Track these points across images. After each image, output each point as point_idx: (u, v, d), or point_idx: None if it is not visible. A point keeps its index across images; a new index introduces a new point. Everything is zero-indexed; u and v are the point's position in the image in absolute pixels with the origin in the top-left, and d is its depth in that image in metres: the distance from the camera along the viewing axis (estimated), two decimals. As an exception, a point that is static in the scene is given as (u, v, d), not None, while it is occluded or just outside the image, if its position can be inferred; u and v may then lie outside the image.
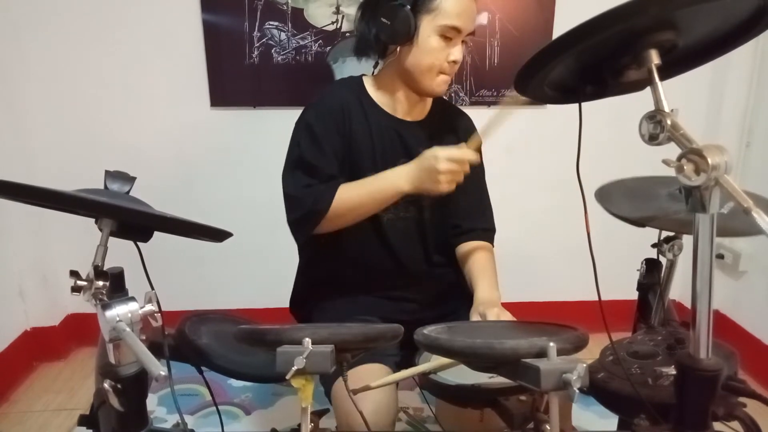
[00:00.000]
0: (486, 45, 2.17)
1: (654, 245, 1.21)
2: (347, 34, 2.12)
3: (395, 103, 1.35)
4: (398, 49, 1.26)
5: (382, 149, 1.32)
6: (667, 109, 0.74)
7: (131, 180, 0.94)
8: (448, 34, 1.22)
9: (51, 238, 2.23)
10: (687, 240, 0.94)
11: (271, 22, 2.09)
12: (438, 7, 1.20)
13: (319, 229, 1.27)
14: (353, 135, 1.30)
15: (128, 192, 0.93)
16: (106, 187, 0.92)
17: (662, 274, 1.28)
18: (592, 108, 0.85)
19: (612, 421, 1.16)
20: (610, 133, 1.98)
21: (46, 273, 2.22)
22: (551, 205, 2.29)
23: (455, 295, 1.38)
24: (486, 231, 1.44)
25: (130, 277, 0.86)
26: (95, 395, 0.97)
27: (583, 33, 0.70)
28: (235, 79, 2.14)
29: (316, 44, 2.12)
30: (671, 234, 1.19)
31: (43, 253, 2.22)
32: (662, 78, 0.76)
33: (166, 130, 2.21)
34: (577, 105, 0.86)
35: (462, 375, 1.00)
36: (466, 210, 1.41)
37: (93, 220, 0.84)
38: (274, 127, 2.15)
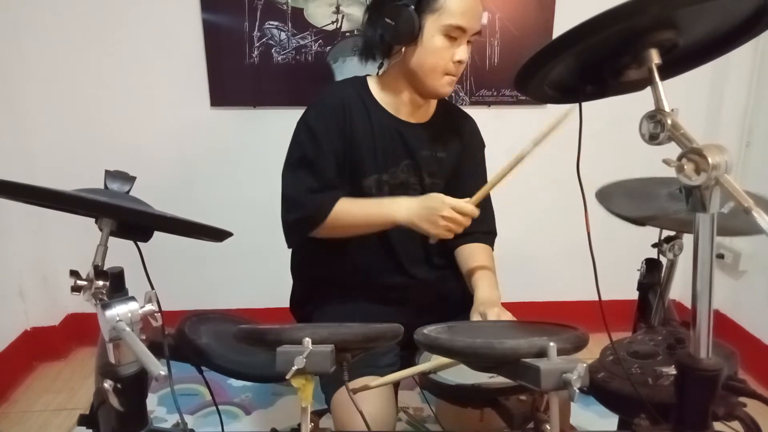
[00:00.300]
0: (486, 45, 2.17)
1: (654, 245, 1.21)
2: (347, 34, 2.12)
3: (399, 105, 1.34)
4: (403, 49, 1.25)
5: (383, 149, 1.32)
6: (667, 109, 0.74)
7: (131, 180, 0.94)
8: (453, 34, 1.21)
9: (51, 238, 2.23)
10: (687, 240, 0.94)
11: (271, 22, 2.09)
12: (442, 7, 1.19)
13: (312, 235, 1.28)
14: (354, 134, 1.29)
15: (128, 192, 0.93)
16: (106, 186, 0.92)
17: (662, 274, 1.28)
18: (592, 108, 0.85)
19: (612, 420, 1.16)
20: (610, 133, 1.98)
21: (46, 273, 2.22)
22: (551, 204, 2.29)
23: (456, 298, 1.38)
24: (487, 234, 1.43)
25: (130, 276, 0.86)
26: (95, 395, 0.97)
27: (583, 32, 0.70)
28: (235, 79, 2.14)
29: (316, 44, 2.12)
30: (671, 234, 1.19)
31: (43, 253, 2.22)
32: (662, 78, 0.76)
33: (166, 130, 2.21)
34: (577, 105, 0.86)
35: (462, 375, 1.00)
36: None
37: (93, 219, 0.84)
38: (274, 127, 2.15)
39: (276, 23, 2.09)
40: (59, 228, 2.19)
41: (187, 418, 1.88)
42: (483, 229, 1.42)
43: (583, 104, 0.86)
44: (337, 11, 2.10)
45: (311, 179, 1.26)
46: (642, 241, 1.24)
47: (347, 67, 2.14)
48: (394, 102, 1.34)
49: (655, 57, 0.75)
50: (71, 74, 2.11)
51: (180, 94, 2.17)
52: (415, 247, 1.38)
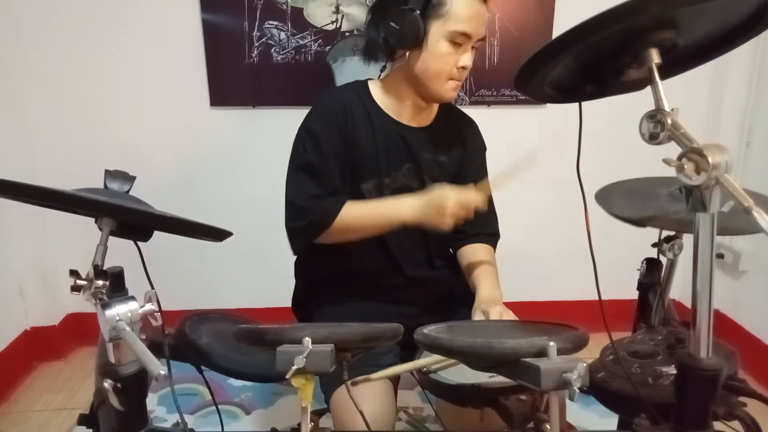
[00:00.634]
0: (486, 44, 2.17)
1: (654, 245, 1.21)
2: (347, 34, 2.12)
3: (401, 109, 1.33)
4: (407, 54, 1.24)
5: (385, 153, 1.31)
6: (667, 109, 0.74)
7: (131, 179, 0.94)
8: (458, 40, 1.21)
9: (51, 237, 2.23)
10: (687, 239, 0.94)
11: (270, 22, 2.09)
12: (448, 12, 1.18)
13: (318, 241, 1.28)
14: (356, 138, 1.29)
15: (128, 191, 0.93)
16: (106, 186, 0.92)
17: (662, 274, 1.28)
18: (592, 107, 0.85)
19: (612, 420, 1.16)
20: (610, 132, 1.98)
21: (46, 272, 2.22)
22: (551, 204, 2.29)
23: (456, 299, 1.38)
24: (489, 236, 1.43)
25: (130, 276, 0.86)
26: (95, 395, 0.97)
27: (583, 32, 0.70)
28: (234, 79, 2.14)
29: (316, 44, 2.12)
30: (671, 233, 1.19)
31: (43, 253, 2.22)
32: (662, 77, 0.76)
33: (166, 130, 2.21)
34: (577, 104, 0.86)
35: (462, 374, 1.00)
36: (471, 219, 1.41)
37: (93, 219, 0.84)
38: (274, 127, 2.16)
39: (276, 23, 2.09)
40: (59, 228, 2.19)
41: (187, 418, 1.88)
42: (486, 231, 1.43)
43: (584, 104, 0.86)
44: (337, 11, 2.10)
45: (315, 185, 1.25)
46: (642, 240, 1.24)
47: (347, 67, 2.14)
48: (396, 106, 1.33)
49: (655, 56, 0.75)
50: (71, 74, 2.11)
51: (180, 94, 2.17)
52: (415, 247, 1.38)
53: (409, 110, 1.34)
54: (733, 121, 2.24)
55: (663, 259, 1.25)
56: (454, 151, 1.40)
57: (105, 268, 0.81)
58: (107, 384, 0.78)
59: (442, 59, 1.22)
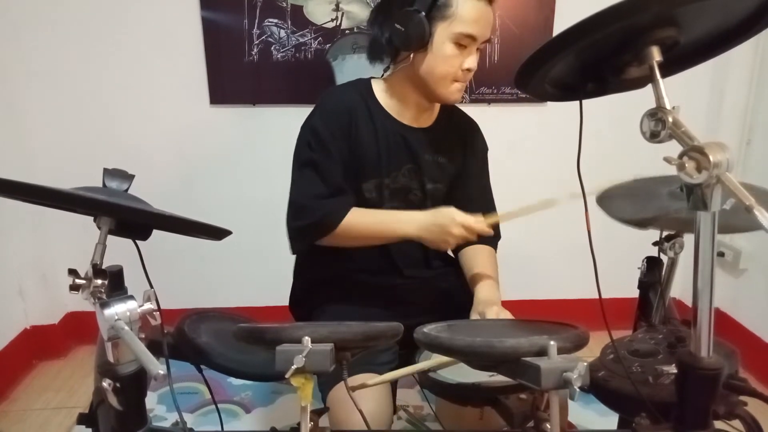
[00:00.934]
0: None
1: (655, 243, 1.21)
2: (347, 32, 2.11)
3: (403, 109, 1.33)
4: (411, 55, 1.24)
5: (387, 154, 1.31)
6: (668, 107, 0.74)
7: (130, 177, 0.93)
8: (463, 42, 1.21)
9: (50, 236, 2.22)
10: (688, 238, 0.94)
11: (270, 20, 2.08)
12: (453, 14, 1.18)
13: (320, 243, 1.28)
14: (359, 138, 1.28)
15: (127, 190, 0.92)
16: (104, 184, 0.92)
17: (663, 273, 1.28)
18: (593, 105, 0.85)
19: (612, 419, 1.16)
20: (610, 130, 1.97)
21: (45, 271, 2.22)
22: (552, 203, 2.28)
23: (455, 299, 1.38)
24: (491, 237, 1.43)
25: (129, 275, 0.86)
26: (94, 394, 0.97)
27: (583, 30, 0.70)
28: (234, 77, 2.14)
29: (316, 41, 2.12)
30: (672, 232, 1.19)
31: (42, 252, 2.22)
32: (663, 75, 0.75)
33: (166, 129, 2.21)
34: (577, 102, 0.86)
35: (462, 373, 0.99)
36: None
37: (92, 218, 0.84)
38: (274, 125, 2.16)
39: (275, 21, 2.09)
40: (58, 226, 2.19)
41: (187, 417, 1.88)
42: None
43: (584, 102, 0.86)
44: (337, 9, 2.10)
45: (319, 185, 1.25)
46: (642, 239, 1.24)
47: (347, 65, 2.13)
48: (399, 106, 1.33)
49: (656, 54, 0.75)
50: (71, 74, 2.11)
51: (179, 93, 2.17)
52: (413, 247, 1.37)
53: (412, 111, 1.34)
54: (733, 119, 2.24)
55: (664, 258, 1.25)
56: (455, 152, 1.39)
57: (104, 267, 0.81)
58: (106, 383, 0.78)
59: (448, 61, 1.22)
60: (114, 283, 0.81)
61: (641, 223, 1.11)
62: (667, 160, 0.72)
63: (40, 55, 2.08)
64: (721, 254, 2.26)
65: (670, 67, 0.79)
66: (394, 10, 1.21)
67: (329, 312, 1.37)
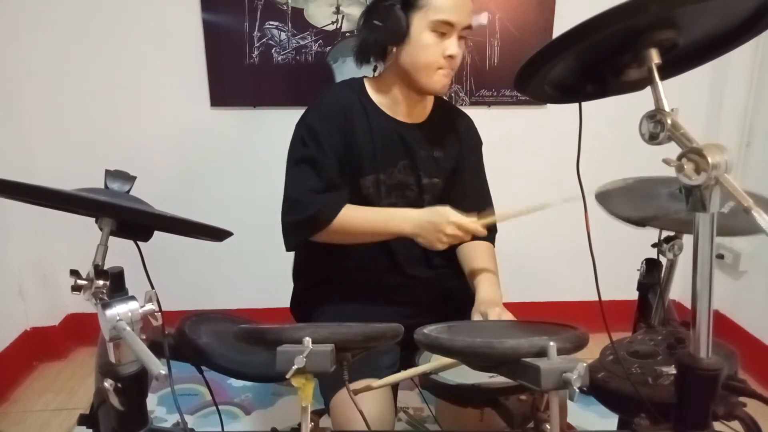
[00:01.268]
0: (486, 45, 2.17)
1: (654, 245, 1.21)
2: (347, 34, 2.12)
3: (396, 105, 1.34)
4: (394, 49, 1.25)
5: (383, 151, 1.32)
6: (667, 109, 0.74)
7: (131, 179, 0.94)
8: (441, 29, 1.21)
9: (51, 237, 2.23)
10: (687, 240, 0.94)
11: (271, 22, 2.09)
12: (428, 3, 1.19)
13: (314, 239, 1.27)
14: (355, 136, 1.29)
15: (128, 191, 0.93)
16: (106, 186, 0.92)
17: (662, 274, 1.28)
18: (592, 107, 0.85)
19: (612, 420, 1.16)
20: (610, 132, 1.97)
21: (46, 272, 2.22)
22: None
23: (456, 297, 1.38)
24: (488, 232, 1.43)
25: (130, 276, 0.86)
26: (95, 395, 0.97)
27: (583, 32, 0.70)
28: (235, 79, 2.14)
29: (316, 44, 2.12)
30: (671, 234, 1.19)
31: (43, 253, 2.22)
32: (662, 77, 0.76)
33: (166, 130, 2.21)
34: (577, 104, 0.86)
35: (462, 374, 0.99)
36: (468, 212, 1.41)
37: (93, 219, 0.84)
38: (274, 127, 2.15)
39: (276, 23, 2.09)
40: (59, 227, 2.19)
41: (187, 418, 1.88)
42: None
43: (584, 104, 0.86)
44: (337, 11, 2.10)
45: (313, 179, 1.25)
46: (642, 241, 1.25)
47: (347, 68, 2.14)
48: (391, 103, 1.34)
49: (655, 56, 0.75)
50: (71, 74, 2.11)
51: (180, 95, 2.17)
52: (413, 247, 1.38)
53: (404, 106, 1.34)
54: (733, 121, 2.24)
55: (663, 260, 1.25)
56: (450, 146, 1.40)
57: (105, 268, 0.81)
58: (107, 384, 0.78)
59: (428, 50, 1.23)
60: (115, 284, 0.82)
61: (640, 222, 1.11)
62: (666, 161, 0.72)
63: (40, 55, 2.08)
64: (720, 256, 2.26)
65: (669, 69, 0.79)
66: (376, 8, 1.23)
67: (330, 312, 1.37)
